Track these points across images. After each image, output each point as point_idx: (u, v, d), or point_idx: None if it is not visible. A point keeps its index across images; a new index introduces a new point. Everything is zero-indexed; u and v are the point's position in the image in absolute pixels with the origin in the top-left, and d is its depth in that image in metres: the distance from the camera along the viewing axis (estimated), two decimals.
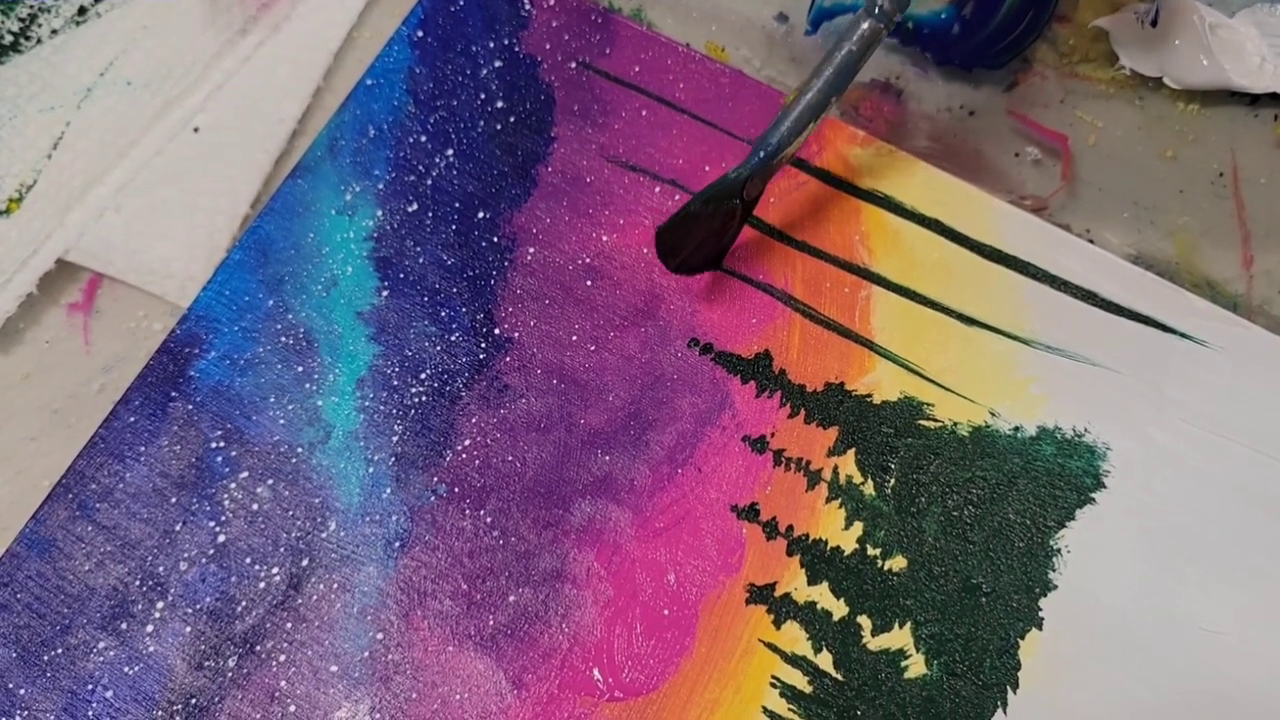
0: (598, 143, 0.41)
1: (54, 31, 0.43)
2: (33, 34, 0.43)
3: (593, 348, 0.38)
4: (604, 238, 0.39)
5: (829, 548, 0.36)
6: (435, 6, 0.43)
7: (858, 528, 0.36)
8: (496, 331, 0.38)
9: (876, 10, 0.35)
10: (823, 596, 0.35)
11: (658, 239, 0.37)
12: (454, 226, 0.40)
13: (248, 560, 0.36)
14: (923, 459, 0.36)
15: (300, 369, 0.38)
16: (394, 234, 0.40)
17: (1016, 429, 0.37)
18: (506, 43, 0.42)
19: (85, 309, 0.40)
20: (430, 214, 0.40)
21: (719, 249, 0.38)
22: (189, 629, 0.35)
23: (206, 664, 0.35)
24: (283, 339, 0.38)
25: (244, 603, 0.35)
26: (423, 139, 0.41)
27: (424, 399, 0.38)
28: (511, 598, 0.35)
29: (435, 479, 0.37)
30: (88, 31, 0.43)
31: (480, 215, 0.40)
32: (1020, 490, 0.36)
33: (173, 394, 0.38)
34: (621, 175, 0.40)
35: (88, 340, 0.40)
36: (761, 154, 0.35)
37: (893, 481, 0.36)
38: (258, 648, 0.35)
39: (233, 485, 0.37)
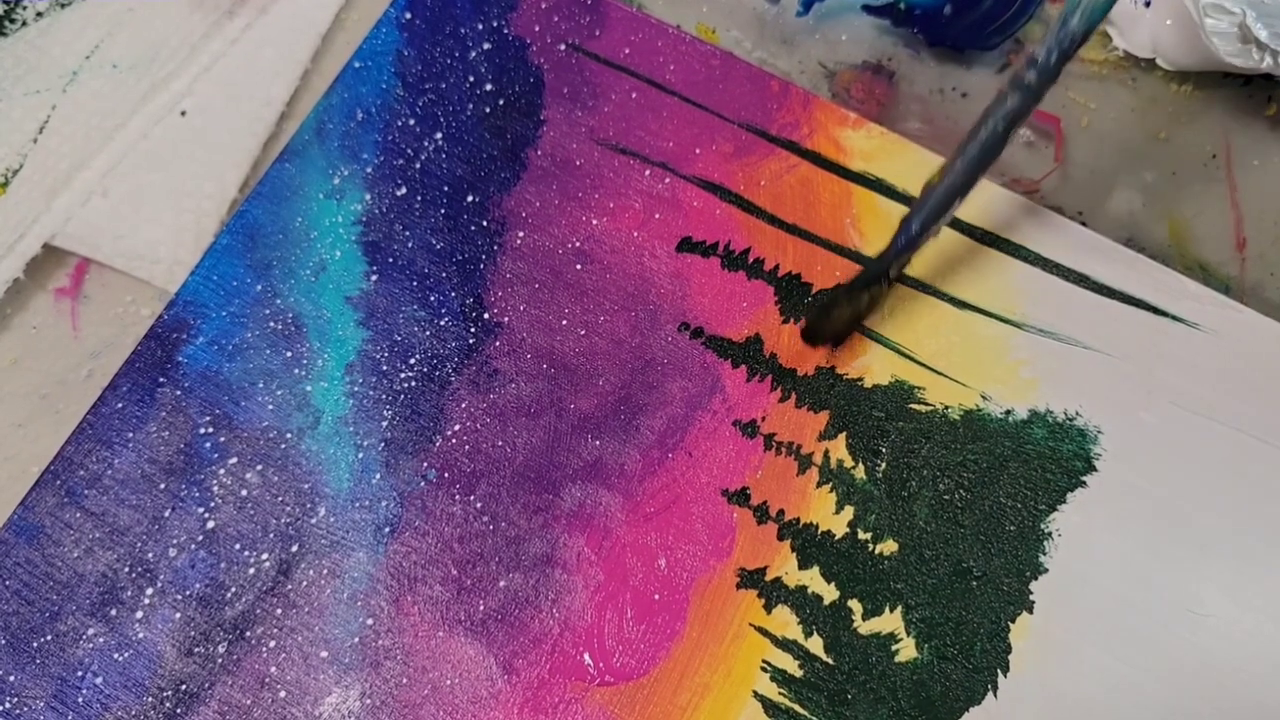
0: (587, 125, 0.40)
1: (39, 14, 0.43)
2: (17, 16, 0.43)
3: (583, 332, 0.38)
4: (594, 221, 0.39)
5: (820, 532, 0.35)
6: None
7: (849, 512, 0.36)
8: (486, 316, 0.38)
9: (1023, 84, 0.31)
10: (813, 581, 0.35)
11: (805, 330, 0.37)
12: (443, 210, 0.39)
13: (237, 546, 0.36)
14: (914, 443, 0.36)
15: (289, 354, 0.38)
16: (383, 218, 0.39)
17: (1008, 412, 0.36)
18: (495, 25, 0.42)
19: (73, 294, 0.40)
20: (419, 198, 0.40)
21: (862, 318, 0.38)
22: (179, 615, 0.35)
23: (196, 650, 0.35)
24: (271, 324, 0.38)
25: (234, 589, 0.35)
26: (411, 122, 0.41)
27: (413, 384, 0.37)
28: (502, 583, 0.35)
29: (425, 464, 0.37)
30: (73, 14, 0.43)
31: (469, 199, 0.40)
32: (1011, 474, 0.36)
33: (161, 380, 0.37)
34: (611, 158, 0.40)
35: (76, 326, 0.40)
36: (903, 240, 0.34)
37: (884, 465, 0.36)
38: (248, 634, 0.35)
39: (221, 471, 0.36)
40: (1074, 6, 0.30)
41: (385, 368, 0.38)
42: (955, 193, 0.33)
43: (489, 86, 0.41)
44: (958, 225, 0.38)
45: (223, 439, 0.37)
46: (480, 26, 0.42)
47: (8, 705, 0.34)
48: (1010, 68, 0.42)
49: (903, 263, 0.35)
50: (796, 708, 0.34)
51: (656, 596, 0.35)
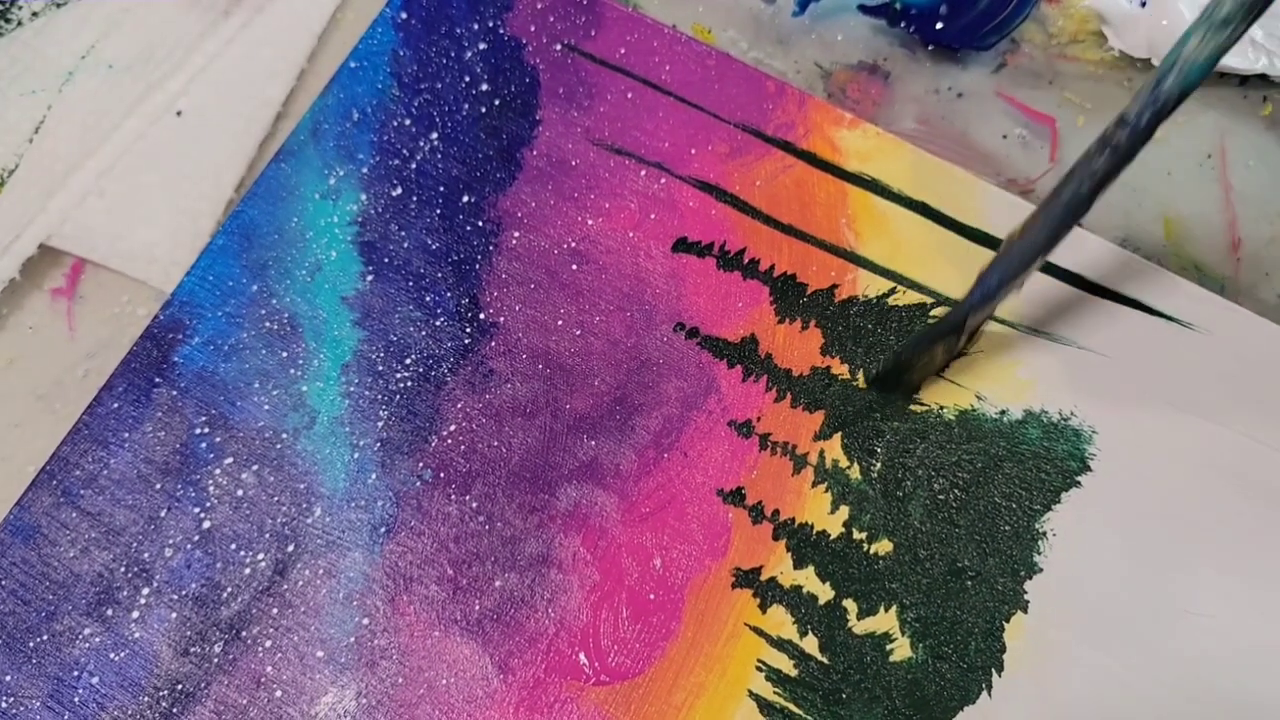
0: (583, 126, 0.40)
1: (34, 14, 0.43)
2: (13, 16, 0.43)
3: (578, 332, 0.38)
4: (589, 222, 0.39)
5: (815, 532, 0.36)
6: None
7: (844, 511, 0.36)
8: (482, 316, 0.38)
9: (1114, 145, 0.29)
10: (808, 580, 0.35)
11: (880, 384, 0.37)
12: (438, 211, 0.39)
13: (233, 546, 0.36)
14: (909, 443, 0.36)
15: (285, 354, 0.38)
16: (378, 218, 0.39)
17: (1003, 413, 0.37)
18: (491, 25, 0.42)
19: (69, 294, 0.40)
20: (414, 198, 0.40)
21: (937, 370, 0.37)
22: (175, 615, 0.35)
23: (192, 650, 0.35)
24: (267, 324, 0.38)
25: (229, 589, 0.35)
26: (407, 122, 0.41)
27: (409, 384, 0.37)
28: (497, 583, 0.35)
29: (421, 464, 0.37)
30: (68, 14, 0.43)
31: (465, 199, 0.40)
32: (1006, 474, 0.36)
33: (157, 380, 0.38)
34: (607, 158, 0.40)
35: (72, 326, 0.40)
36: (979, 294, 0.33)
37: (879, 465, 0.36)
38: (244, 633, 0.35)
39: (217, 471, 0.36)
40: (1169, 67, 0.28)
41: (381, 368, 0.38)
42: (1037, 251, 0.32)
43: (484, 86, 0.41)
44: (952, 226, 0.38)
45: (218, 439, 0.37)
46: (476, 26, 0.42)
47: (4, 705, 0.34)
48: (1006, 68, 0.42)
49: (981, 318, 0.35)
50: (791, 707, 0.34)
51: (652, 596, 0.35)
